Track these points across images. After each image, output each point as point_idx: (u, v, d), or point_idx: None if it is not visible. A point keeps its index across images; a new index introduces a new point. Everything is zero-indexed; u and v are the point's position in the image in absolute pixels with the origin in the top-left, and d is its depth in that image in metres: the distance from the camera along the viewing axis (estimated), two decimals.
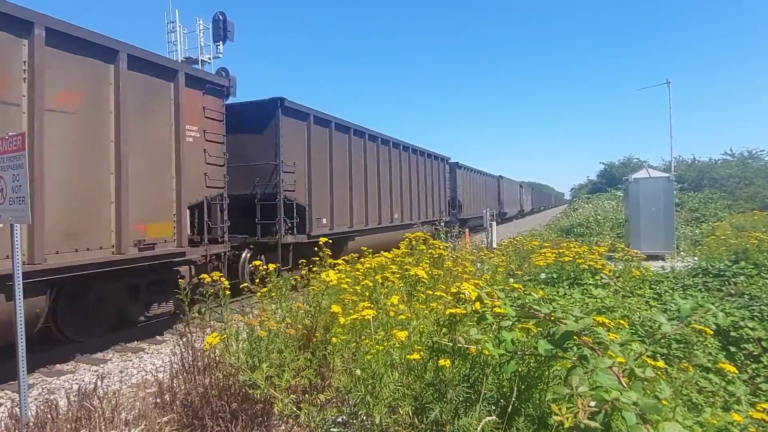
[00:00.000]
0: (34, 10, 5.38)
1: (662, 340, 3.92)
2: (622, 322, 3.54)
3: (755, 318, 5.06)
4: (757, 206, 22.94)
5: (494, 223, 14.94)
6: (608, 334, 2.14)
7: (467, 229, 18.84)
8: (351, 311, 3.12)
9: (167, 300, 7.06)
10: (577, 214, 28.96)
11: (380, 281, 3.73)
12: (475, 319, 2.48)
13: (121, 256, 5.98)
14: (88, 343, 6.44)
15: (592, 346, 2.07)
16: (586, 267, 6.58)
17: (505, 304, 2.40)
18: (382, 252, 5.55)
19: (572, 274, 6.56)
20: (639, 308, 5.08)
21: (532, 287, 4.09)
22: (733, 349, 4.64)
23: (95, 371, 5.79)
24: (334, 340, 3.09)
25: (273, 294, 3.85)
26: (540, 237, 14.75)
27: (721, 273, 7.07)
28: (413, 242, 6.11)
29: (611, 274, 6.51)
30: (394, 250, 5.70)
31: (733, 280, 6.68)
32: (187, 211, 7.16)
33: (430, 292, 3.45)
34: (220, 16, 15.26)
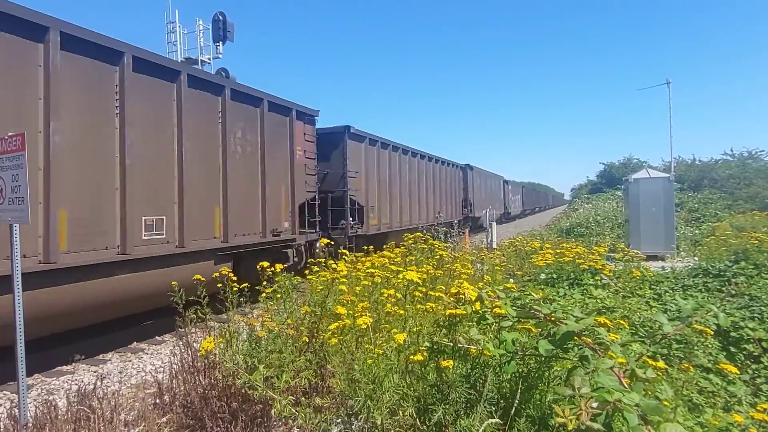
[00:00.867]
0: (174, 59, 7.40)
1: (663, 341, 3.91)
2: (622, 322, 3.54)
3: (755, 318, 5.06)
4: (756, 207, 22.94)
5: (494, 223, 14.96)
6: (609, 335, 2.13)
7: (467, 230, 19.02)
8: (351, 312, 3.11)
9: (285, 263, 9.30)
10: (577, 214, 28.96)
11: (378, 283, 3.72)
12: (475, 319, 2.47)
13: (265, 240, 9.09)
14: (87, 344, 6.46)
15: (593, 346, 2.06)
16: (586, 267, 6.58)
17: (505, 304, 2.40)
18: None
19: (572, 274, 6.55)
20: (639, 309, 5.07)
21: (533, 287, 4.08)
22: (733, 349, 4.65)
23: (94, 372, 5.78)
24: (333, 341, 3.08)
25: (278, 295, 3.84)
26: (540, 237, 14.74)
27: (722, 273, 7.07)
28: (412, 242, 6.13)
29: (611, 274, 6.50)
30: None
31: (734, 280, 6.68)
32: (297, 209, 10.17)
33: (430, 293, 3.43)
34: (220, 17, 15.26)
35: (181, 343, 3.72)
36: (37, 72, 5.39)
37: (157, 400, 3.56)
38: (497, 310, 2.38)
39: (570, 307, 2.41)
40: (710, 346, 4.38)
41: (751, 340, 4.67)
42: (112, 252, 6.15)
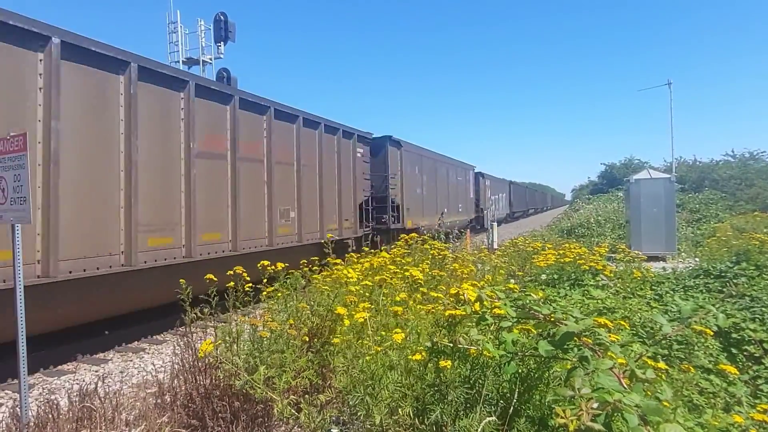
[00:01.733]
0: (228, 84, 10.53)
1: (663, 341, 3.92)
2: (622, 323, 3.54)
3: (756, 319, 5.05)
4: (758, 207, 22.92)
5: (495, 224, 14.97)
6: (609, 335, 2.13)
7: (468, 230, 19.05)
8: (353, 312, 3.11)
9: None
10: (578, 215, 28.92)
11: (378, 283, 3.73)
12: (475, 319, 2.48)
13: (341, 235, 12.22)
14: (88, 343, 6.48)
15: (593, 347, 2.06)
16: (587, 268, 6.58)
17: (505, 304, 2.40)
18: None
19: (573, 275, 6.55)
20: (640, 309, 5.07)
21: (533, 288, 4.08)
22: (734, 350, 4.64)
23: (96, 371, 5.79)
24: (335, 340, 3.08)
25: (279, 294, 3.84)
26: (541, 237, 14.74)
27: (723, 274, 7.06)
28: (410, 242, 6.14)
29: (612, 275, 6.50)
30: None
31: (735, 281, 6.67)
32: (357, 209, 13.31)
33: (431, 293, 3.44)
34: (222, 17, 15.28)
35: (182, 343, 3.73)
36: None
37: (159, 400, 3.56)
38: (497, 310, 2.39)
39: (570, 308, 2.41)
40: (711, 347, 4.38)
41: (752, 341, 4.67)
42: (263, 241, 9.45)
